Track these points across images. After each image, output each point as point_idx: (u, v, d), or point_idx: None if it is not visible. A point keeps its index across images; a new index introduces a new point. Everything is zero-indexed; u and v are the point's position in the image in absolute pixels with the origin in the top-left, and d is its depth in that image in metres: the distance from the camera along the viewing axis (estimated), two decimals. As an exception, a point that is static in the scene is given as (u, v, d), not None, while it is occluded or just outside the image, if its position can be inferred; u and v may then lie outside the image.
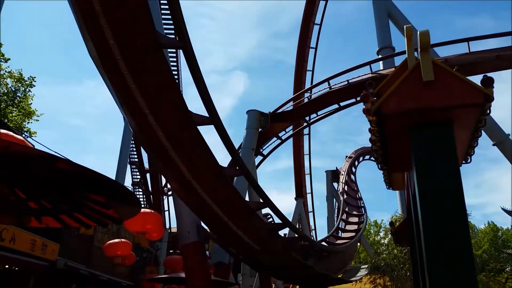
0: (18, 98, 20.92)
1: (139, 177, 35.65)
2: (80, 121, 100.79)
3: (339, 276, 18.90)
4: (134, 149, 33.43)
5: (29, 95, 21.37)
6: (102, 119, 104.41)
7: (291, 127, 22.68)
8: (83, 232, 11.78)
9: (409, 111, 3.88)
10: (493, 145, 15.91)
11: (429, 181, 3.74)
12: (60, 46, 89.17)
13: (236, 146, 12.12)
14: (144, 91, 6.18)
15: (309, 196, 36.25)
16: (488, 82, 3.76)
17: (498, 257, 43.36)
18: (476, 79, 4.06)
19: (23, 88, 21.10)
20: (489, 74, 4.07)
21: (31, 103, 21.40)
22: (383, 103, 4.00)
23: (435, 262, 3.52)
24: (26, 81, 21.03)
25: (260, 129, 19.10)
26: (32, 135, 19.61)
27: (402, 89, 3.99)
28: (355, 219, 26.66)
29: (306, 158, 34.08)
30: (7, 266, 11.24)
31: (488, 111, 3.90)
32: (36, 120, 21.69)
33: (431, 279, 3.52)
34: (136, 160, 34.52)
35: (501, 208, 39.81)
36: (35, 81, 21.12)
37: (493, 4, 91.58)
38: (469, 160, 4.93)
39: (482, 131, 4.47)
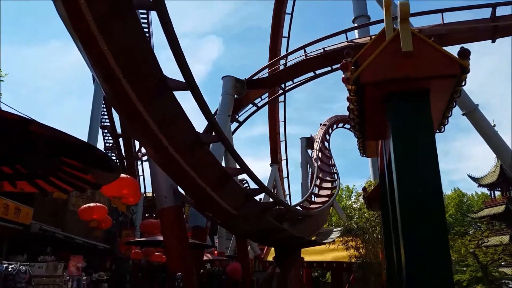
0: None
1: (111, 141, 35.01)
2: (47, 83, 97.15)
3: (313, 238, 19.52)
4: (106, 113, 32.62)
5: (-11, 53, 20.12)
6: (71, 82, 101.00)
7: (266, 94, 22.63)
8: (56, 196, 11.59)
9: (388, 81, 3.94)
10: (463, 114, 16.36)
11: (405, 150, 3.85)
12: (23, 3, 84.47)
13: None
14: (117, 54, 5.95)
15: (284, 162, 36.84)
16: (465, 54, 3.83)
17: (463, 221, 45.78)
18: (449, 50, 4.14)
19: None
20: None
21: (-7, 62, 20.22)
22: (362, 72, 4.03)
23: (410, 224, 3.69)
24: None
25: (235, 96, 18.98)
26: (-3, 97, 18.72)
27: (381, 59, 4.03)
28: (328, 185, 27.32)
29: (281, 125, 34.35)
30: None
31: (463, 82, 3.99)
32: (1, 80, 20.66)
33: (406, 240, 3.69)
34: (108, 124, 33.74)
35: (468, 175, 41.71)
36: None
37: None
38: (442, 130, 5.08)
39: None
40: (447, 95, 4.17)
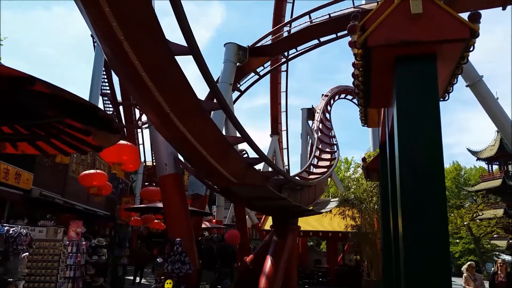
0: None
1: (111, 109, 34.86)
2: (48, 49, 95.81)
3: (310, 208, 19.76)
4: (106, 81, 32.32)
5: (-14, 16, 19.62)
6: (72, 48, 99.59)
7: (269, 63, 22.34)
8: (59, 161, 11.62)
9: (395, 44, 3.85)
10: (466, 86, 16.18)
11: (409, 114, 3.81)
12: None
13: (214, 80, 11.88)
14: (118, 13, 5.80)
15: (284, 133, 36.83)
16: (476, 17, 3.73)
17: (459, 194, 46.39)
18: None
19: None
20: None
21: (-9, 26, 19.80)
22: (370, 35, 3.95)
23: (409, 193, 3.69)
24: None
25: (238, 64, 18.73)
26: (-3, 60, 18.42)
27: (390, 21, 3.93)
28: (328, 156, 27.42)
29: (283, 95, 34.13)
30: (-20, 194, 11.18)
31: (472, 48, 3.91)
32: (1, 44, 20.29)
33: (404, 209, 3.71)
34: (109, 92, 33.49)
35: (467, 148, 41.95)
36: None
37: None
38: (446, 98, 5.03)
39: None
40: (454, 61, 4.09)
